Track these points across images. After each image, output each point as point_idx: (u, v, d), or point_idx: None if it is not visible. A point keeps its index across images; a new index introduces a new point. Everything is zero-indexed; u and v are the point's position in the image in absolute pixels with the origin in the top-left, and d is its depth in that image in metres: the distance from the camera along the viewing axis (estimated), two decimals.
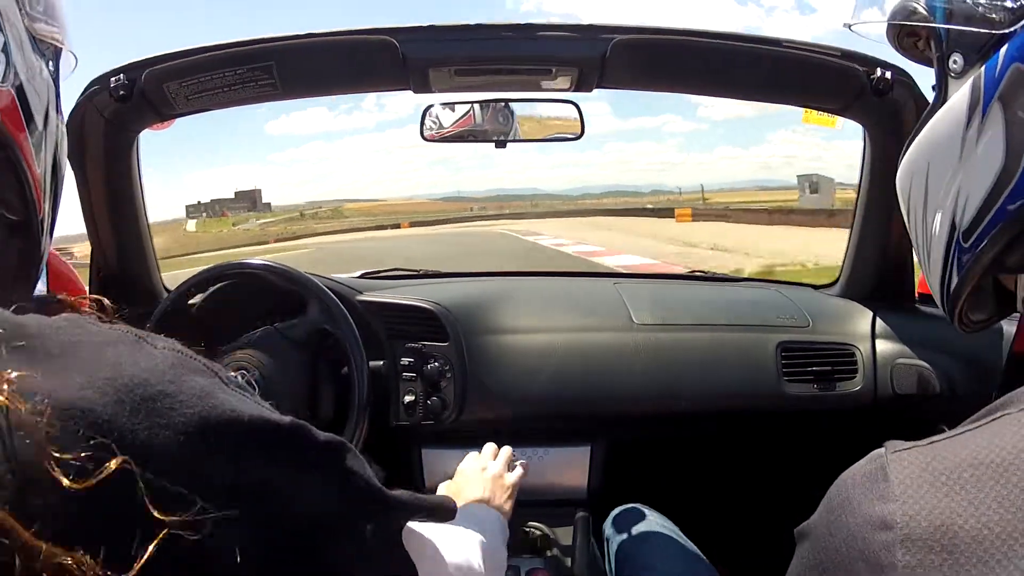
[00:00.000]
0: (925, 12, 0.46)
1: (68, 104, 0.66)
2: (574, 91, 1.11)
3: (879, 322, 1.20)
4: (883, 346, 1.17)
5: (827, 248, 7.96)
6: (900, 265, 1.21)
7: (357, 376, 1.01)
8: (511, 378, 1.15)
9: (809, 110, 1.20)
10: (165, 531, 0.30)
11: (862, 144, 1.18)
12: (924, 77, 0.50)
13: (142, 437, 0.31)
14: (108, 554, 0.29)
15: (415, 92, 1.08)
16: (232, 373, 0.44)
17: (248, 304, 1.11)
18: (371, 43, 1.02)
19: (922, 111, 0.48)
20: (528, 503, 1.10)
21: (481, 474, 0.86)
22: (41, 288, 0.50)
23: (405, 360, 1.16)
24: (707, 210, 25.62)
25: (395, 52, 1.01)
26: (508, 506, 0.84)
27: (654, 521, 1.01)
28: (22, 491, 0.28)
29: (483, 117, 1.17)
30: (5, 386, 0.29)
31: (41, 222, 0.46)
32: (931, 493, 0.33)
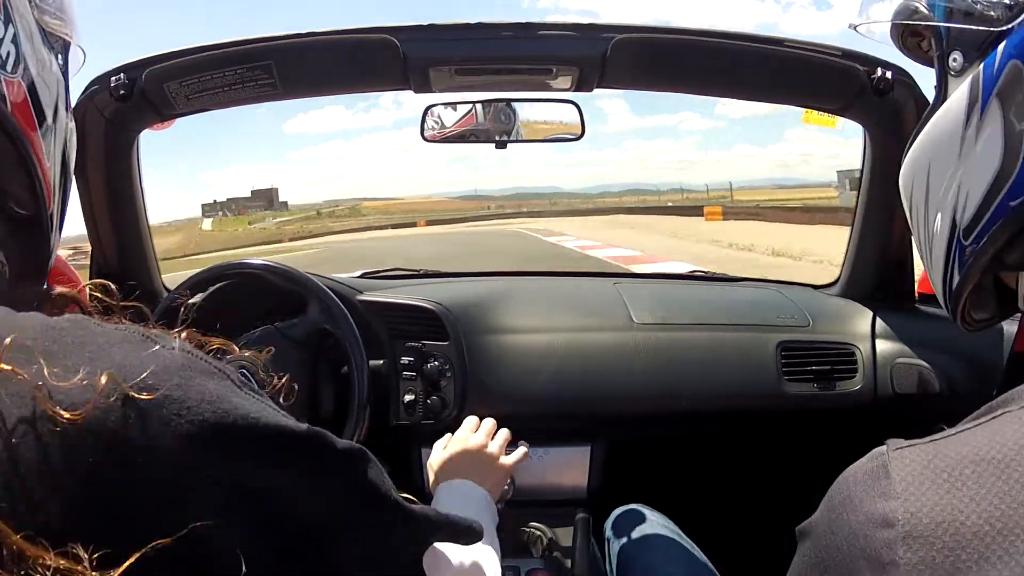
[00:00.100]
0: (926, 11, 0.46)
1: None
2: (575, 91, 1.11)
3: (879, 322, 1.20)
4: (883, 346, 1.17)
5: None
6: (900, 265, 1.21)
7: (357, 375, 1.01)
8: (511, 378, 1.15)
9: (809, 110, 1.20)
10: (163, 538, 0.30)
11: (862, 144, 1.18)
12: (925, 77, 0.49)
13: (145, 441, 0.31)
14: (105, 556, 0.29)
15: (415, 92, 1.08)
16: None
17: (248, 304, 1.11)
18: (371, 42, 1.02)
19: (923, 111, 0.48)
20: (528, 503, 1.10)
21: (478, 452, 0.85)
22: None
23: (405, 359, 1.16)
24: (737, 208, 24.37)
25: (395, 51, 1.01)
26: (500, 490, 0.83)
27: (655, 522, 1.01)
28: (25, 496, 0.28)
29: (485, 116, 1.17)
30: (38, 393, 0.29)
31: (50, 218, 0.46)
32: (932, 490, 0.33)
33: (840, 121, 1.18)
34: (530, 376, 1.15)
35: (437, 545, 0.48)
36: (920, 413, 1.13)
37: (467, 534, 0.50)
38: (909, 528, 0.32)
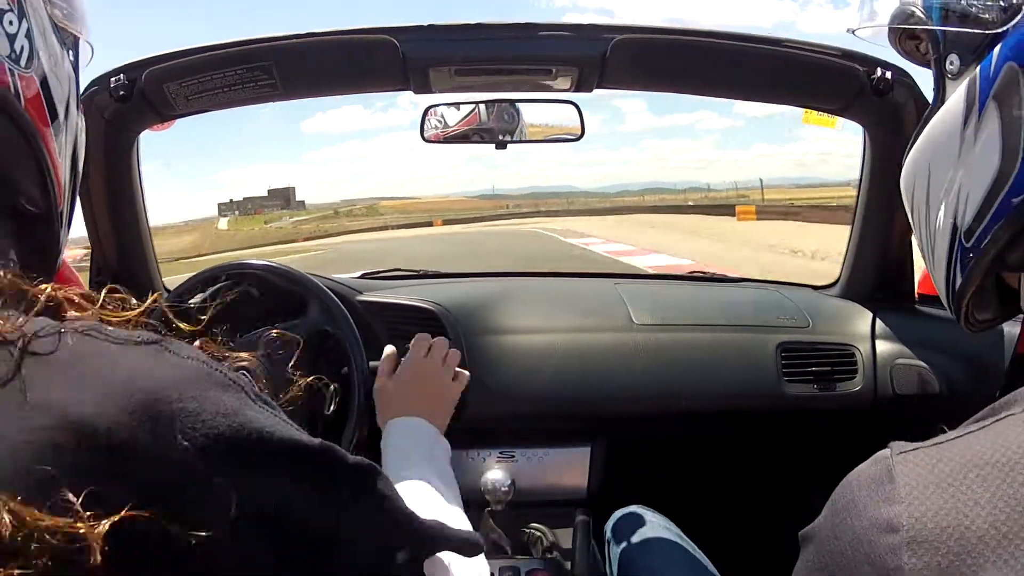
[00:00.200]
0: (922, 15, 0.46)
1: None
2: (575, 91, 1.11)
3: (879, 322, 1.20)
4: (883, 346, 1.17)
5: None
6: (900, 265, 1.21)
7: (357, 376, 1.01)
8: (511, 378, 1.15)
9: (809, 110, 1.20)
10: (171, 547, 0.29)
11: (862, 144, 1.18)
12: (925, 77, 0.50)
13: (158, 452, 0.30)
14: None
15: (415, 92, 1.08)
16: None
17: (248, 305, 1.11)
18: (371, 43, 1.02)
19: (922, 111, 0.48)
20: (528, 503, 1.10)
21: (430, 382, 0.85)
22: None
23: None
24: (769, 207, 22.55)
25: (395, 52, 1.01)
26: (449, 419, 0.84)
27: (656, 525, 1.00)
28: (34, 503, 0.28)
29: (489, 115, 1.17)
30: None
31: (60, 216, 0.46)
32: (937, 494, 0.32)
33: (840, 122, 1.18)
34: (530, 376, 1.15)
35: (442, 558, 0.49)
36: (920, 414, 1.13)
37: (466, 548, 0.50)
38: (914, 533, 0.32)
